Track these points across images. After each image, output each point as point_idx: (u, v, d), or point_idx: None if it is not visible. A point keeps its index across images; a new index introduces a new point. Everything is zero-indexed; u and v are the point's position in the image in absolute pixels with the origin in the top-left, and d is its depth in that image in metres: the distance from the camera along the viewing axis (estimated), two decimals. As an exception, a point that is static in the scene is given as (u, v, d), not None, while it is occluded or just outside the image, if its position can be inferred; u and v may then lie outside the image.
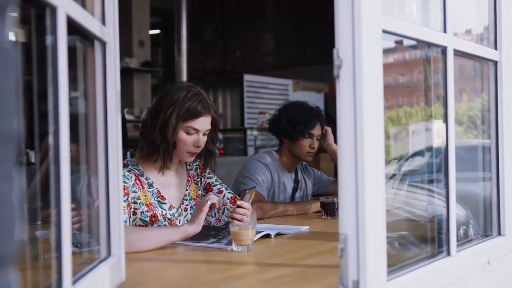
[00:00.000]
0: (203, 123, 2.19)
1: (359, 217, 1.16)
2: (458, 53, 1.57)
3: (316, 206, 2.81)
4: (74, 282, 1.08)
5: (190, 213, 2.28)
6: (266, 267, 1.67)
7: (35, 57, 1.04)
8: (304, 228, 2.33)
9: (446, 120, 1.52)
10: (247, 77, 8.30)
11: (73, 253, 1.06)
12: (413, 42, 1.57)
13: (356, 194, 1.16)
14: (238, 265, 1.72)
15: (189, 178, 2.35)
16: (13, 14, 0.59)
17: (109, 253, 1.36)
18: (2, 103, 0.54)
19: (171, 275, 1.63)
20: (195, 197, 2.34)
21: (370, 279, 1.15)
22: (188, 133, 2.17)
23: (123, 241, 1.41)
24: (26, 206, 1.20)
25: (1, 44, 0.55)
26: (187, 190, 2.32)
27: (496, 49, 1.80)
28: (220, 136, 7.69)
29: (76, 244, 1.28)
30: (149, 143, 2.18)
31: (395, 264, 1.32)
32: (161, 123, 2.14)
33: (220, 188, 2.38)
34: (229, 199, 2.34)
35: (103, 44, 1.33)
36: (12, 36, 0.59)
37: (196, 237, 1.99)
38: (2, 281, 0.56)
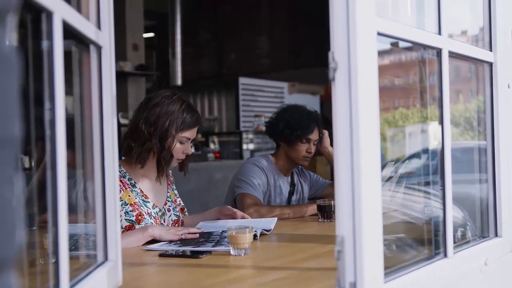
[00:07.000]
0: (195, 132, 2.34)
1: (356, 219, 1.16)
2: (453, 55, 1.57)
3: (312, 209, 2.81)
4: (71, 287, 1.08)
5: (174, 214, 2.41)
6: (264, 270, 1.67)
7: (30, 61, 1.04)
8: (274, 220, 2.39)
9: (441, 122, 1.53)
10: (242, 80, 8.30)
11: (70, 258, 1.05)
12: (408, 44, 1.57)
13: (353, 196, 1.16)
14: (235, 269, 1.71)
15: (169, 182, 2.47)
16: (14, 19, 0.59)
17: (106, 258, 1.35)
18: (4, 108, 0.55)
19: (167, 280, 1.63)
20: (174, 200, 2.46)
21: (367, 281, 1.15)
22: (181, 143, 2.29)
23: (120, 245, 1.41)
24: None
25: (2, 49, 0.55)
26: (168, 192, 2.44)
27: (491, 50, 1.81)
28: (216, 139, 7.70)
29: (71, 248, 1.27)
30: (145, 151, 2.24)
31: (392, 266, 1.32)
32: (160, 133, 2.22)
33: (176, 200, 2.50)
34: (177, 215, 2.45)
35: (99, 48, 1.33)
36: (12, 41, 0.59)
37: (194, 244, 1.99)
38: (3, 285, 0.56)
